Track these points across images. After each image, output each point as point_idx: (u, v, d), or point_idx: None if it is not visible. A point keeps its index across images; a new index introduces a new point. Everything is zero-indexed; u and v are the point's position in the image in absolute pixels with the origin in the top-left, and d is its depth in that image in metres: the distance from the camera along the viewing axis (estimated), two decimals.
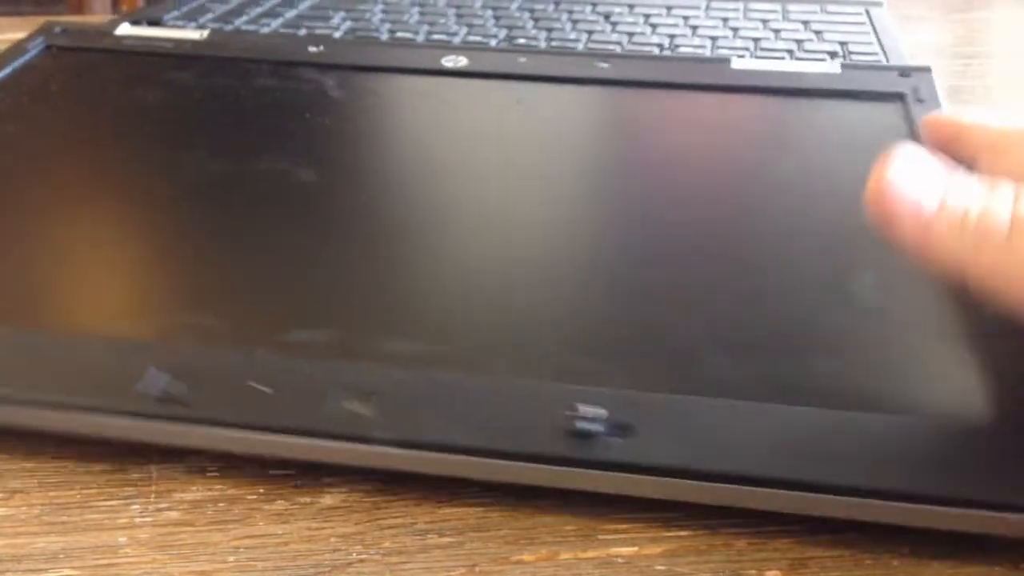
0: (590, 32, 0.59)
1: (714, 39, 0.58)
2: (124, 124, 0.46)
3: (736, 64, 0.50)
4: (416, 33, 0.58)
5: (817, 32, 0.59)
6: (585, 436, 0.28)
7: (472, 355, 0.31)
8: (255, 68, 0.50)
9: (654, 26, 0.60)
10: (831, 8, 0.64)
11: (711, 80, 0.49)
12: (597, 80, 0.49)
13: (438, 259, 0.36)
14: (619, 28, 0.59)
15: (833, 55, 0.56)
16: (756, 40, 0.58)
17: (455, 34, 0.58)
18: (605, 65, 0.50)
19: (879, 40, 0.58)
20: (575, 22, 0.61)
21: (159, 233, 0.38)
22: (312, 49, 0.52)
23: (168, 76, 0.50)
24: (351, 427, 0.28)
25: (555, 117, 0.47)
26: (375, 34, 0.58)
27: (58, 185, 0.40)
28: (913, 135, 0.44)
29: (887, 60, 0.56)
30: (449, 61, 0.51)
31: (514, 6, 0.64)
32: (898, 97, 0.47)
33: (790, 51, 0.57)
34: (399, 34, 0.58)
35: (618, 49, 0.56)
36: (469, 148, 0.44)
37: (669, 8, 0.63)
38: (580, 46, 0.57)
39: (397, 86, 0.49)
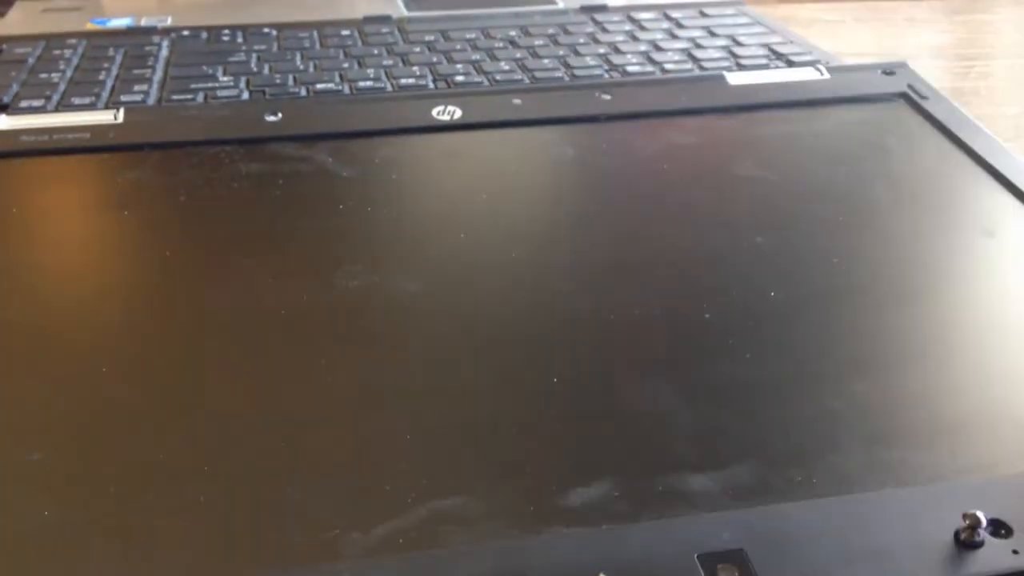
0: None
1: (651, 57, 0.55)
2: (126, 255, 0.36)
3: (732, 80, 0.48)
4: (376, 80, 0.51)
5: (733, 38, 0.58)
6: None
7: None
8: (221, 152, 0.41)
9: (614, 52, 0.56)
10: (710, 12, 0.63)
11: (716, 100, 0.47)
12: (610, 116, 0.45)
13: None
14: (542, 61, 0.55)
15: (774, 58, 0.55)
16: (688, 51, 0.56)
17: (421, 77, 0.51)
18: (607, 97, 0.46)
19: (788, 38, 0.59)
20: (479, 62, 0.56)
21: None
22: (270, 118, 0.44)
23: (121, 177, 0.40)
24: None
25: (590, 164, 0.42)
26: (326, 86, 0.50)
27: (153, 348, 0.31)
28: (939, 131, 0.44)
29: (811, 56, 0.56)
30: (440, 112, 0.44)
31: (447, 44, 0.58)
32: (901, 96, 0.47)
33: (728, 60, 0.55)
34: (361, 84, 0.50)
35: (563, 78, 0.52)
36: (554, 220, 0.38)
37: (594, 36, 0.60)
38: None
39: (405, 150, 0.42)
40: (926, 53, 0.62)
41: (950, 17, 0.71)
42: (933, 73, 0.58)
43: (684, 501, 0.26)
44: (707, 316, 0.33)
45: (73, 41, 0.57)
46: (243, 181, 0.39)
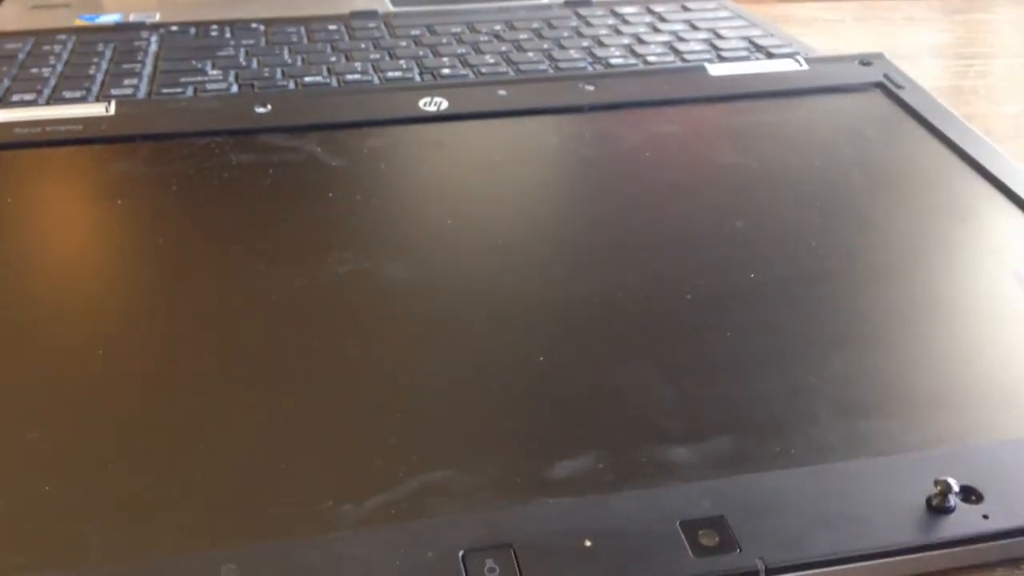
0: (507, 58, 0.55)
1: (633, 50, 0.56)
2: (120, 243, 0.36)
3: (713, 71, 0.49)
4: (363, 73, 0.51)
5: (715, 31, 0.59)
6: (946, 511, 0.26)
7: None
8: (211, 143, 0.42)
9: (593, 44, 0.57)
10: (692, 6, 0.64)
11: (697, 91, 0.48)
12: (593, 106, 0.46)
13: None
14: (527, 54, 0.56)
15: (754, 50, 0.56)
16: (671, 45, 0.57)
17: (408, 70, 0.52)
18: (590, 88, 0.47)
19: (768, 31, 0.59)
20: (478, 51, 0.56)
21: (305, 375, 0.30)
22: (260, 110, 0.44)
23: (113, 167, 0.40)
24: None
25: (573, 153, 0.43)
26: (314, 79, 0.51)
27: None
28: (913, 119, 0.45)
29: (791, 48, 0.57)
30: (427, 104, 0.45)
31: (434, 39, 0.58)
32: (876, 86, 0.48)
33: (709, 53, 0.56)
34: (348, 77, 0.51)
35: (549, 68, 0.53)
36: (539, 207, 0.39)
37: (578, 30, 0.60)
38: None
39: (393, 140, 0.43)
40: (925, 52, 0.63)
41: (949, 16, 0.71)
42: (932, 72, 0.59)
43: (666, 472, 0.27)
44: (689, 297, 0.34)
45: (63, 37, 0.57)
46: (234, 171, 0.40)
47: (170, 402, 0.29)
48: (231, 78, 0.51)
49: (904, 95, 0.47)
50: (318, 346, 0.31)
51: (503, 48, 0.56)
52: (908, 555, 0.25)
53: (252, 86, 0.51)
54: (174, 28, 0.59)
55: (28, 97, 0.49)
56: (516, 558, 0.24)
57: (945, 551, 0.25)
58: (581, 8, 0.63)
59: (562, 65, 0.53)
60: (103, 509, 0.25)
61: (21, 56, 0.54)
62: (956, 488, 0.26)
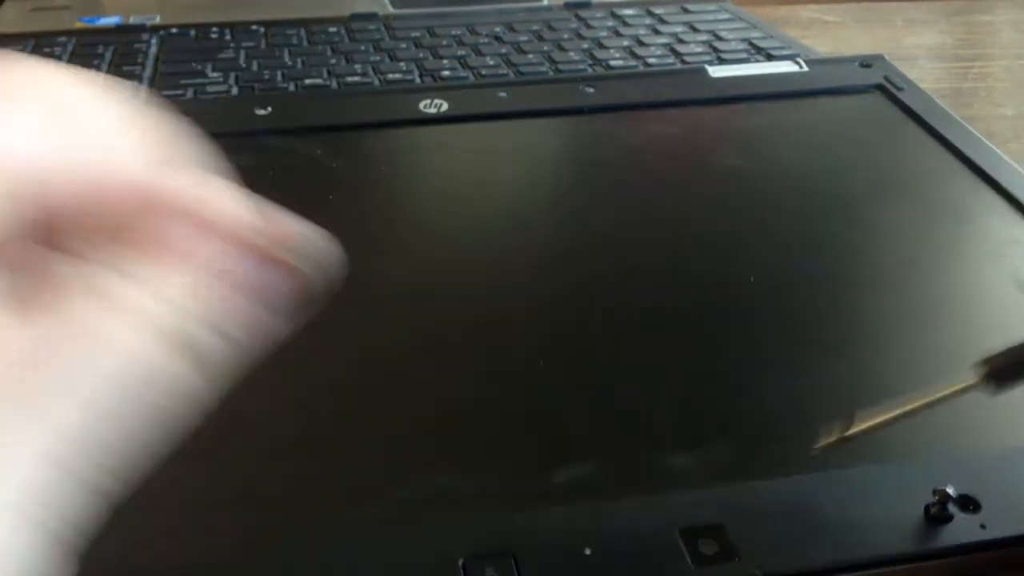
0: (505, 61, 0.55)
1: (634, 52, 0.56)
2: None
3: (713, 72, 0.49)
4: (364, 75, 0.52)
5: (715, 33, 0.59)
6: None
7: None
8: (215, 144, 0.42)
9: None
10: (692, 8, 0.64)
11: (698, 93, 0.48)
12: (593, 108, 0.46)
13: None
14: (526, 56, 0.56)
15: (754, 52, 0.56)
16: (671, 47, 0.57)
17: (408, 72, 0.52)
18: (591, 90, 0.47)
19: (768, 33, 0.59)
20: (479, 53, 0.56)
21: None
22: (260, 112, 0.44)
23: None
24: None
25: (573, 155, 0.43)
26: (314, 81, 0.51)
27: None
28: (913, 121, 0.45)
29: (791, 50, 0.57)
30: (427, 106, 0.45)
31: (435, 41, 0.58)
32: (877, 88, 0.48)
33: (709, 55, 0.56)
34: (348, 79, 0.51)
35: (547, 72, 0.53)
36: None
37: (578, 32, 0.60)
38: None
39: (393, 142, 0.43)
40: (925, 54, 0.63)
41: (949, 18, 0.70)
42: (932, 74, 0.59)
43: (666, 479, 0.27)
44: (688, 301, 0.34)
45: (63, 39, 0.57)
46: (233, 173, 0.40)
47: None
48: (231, 80, 0.51)
49: (904, 97, 0.47)
50: (317, 349, 0.31)
51: (503, 50, 0.56)
52: (906, 564, 0.25)
53: (252, 88, 0.51)
54: (174, 30, 0.59)
55: None
56: (516, 565, 0.24)
57: (943, 560, 0.25)
58: (581, 10, 0.63)
59: (562, 67, 0.53)
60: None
61: None
62: (954, 497, 0.26)
